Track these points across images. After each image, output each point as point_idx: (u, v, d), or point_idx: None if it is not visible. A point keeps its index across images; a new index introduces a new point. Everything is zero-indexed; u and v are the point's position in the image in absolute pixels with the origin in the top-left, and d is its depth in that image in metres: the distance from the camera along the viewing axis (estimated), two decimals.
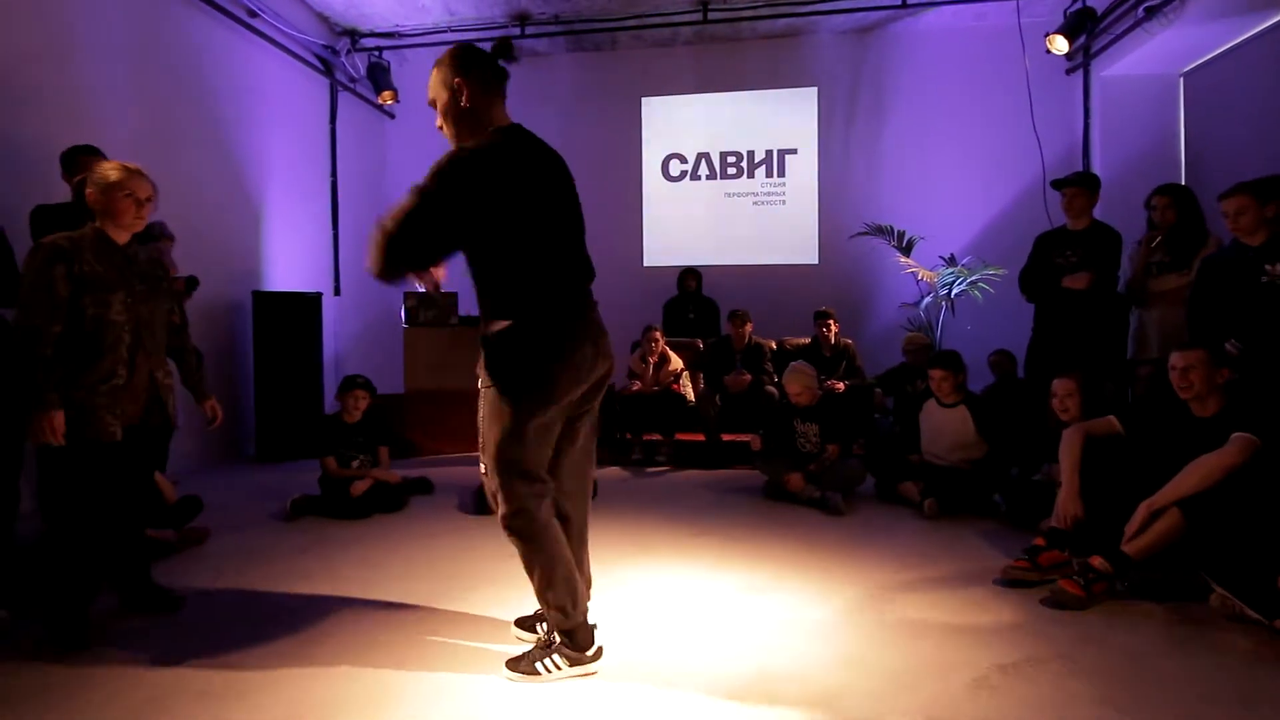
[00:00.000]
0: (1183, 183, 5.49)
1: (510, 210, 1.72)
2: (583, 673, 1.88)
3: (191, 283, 4.30)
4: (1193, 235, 3.55)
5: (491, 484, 1.84)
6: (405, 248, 1.64)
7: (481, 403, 1.84)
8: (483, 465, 1.86)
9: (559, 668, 1.86)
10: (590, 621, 1.92)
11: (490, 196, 1.68)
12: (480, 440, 1.85)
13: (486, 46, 1.84)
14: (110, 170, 2.20)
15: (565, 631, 1.88)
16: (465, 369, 5.88)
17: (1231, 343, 2.90)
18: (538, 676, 1.86)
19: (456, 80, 1.79)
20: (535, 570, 1.84)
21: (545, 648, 1.91)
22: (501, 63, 1.85)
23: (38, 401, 2.02)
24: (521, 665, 1.89)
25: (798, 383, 4.04)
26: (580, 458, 2.00)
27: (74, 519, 2.12)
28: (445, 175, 1.66)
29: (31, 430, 2.02)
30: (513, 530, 1.82)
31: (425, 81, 1.87)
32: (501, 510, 1.83)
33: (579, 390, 1.85)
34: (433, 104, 1.86)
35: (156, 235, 4.12)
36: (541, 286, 1.78)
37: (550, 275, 1.79)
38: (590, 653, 1.89)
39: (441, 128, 1.86)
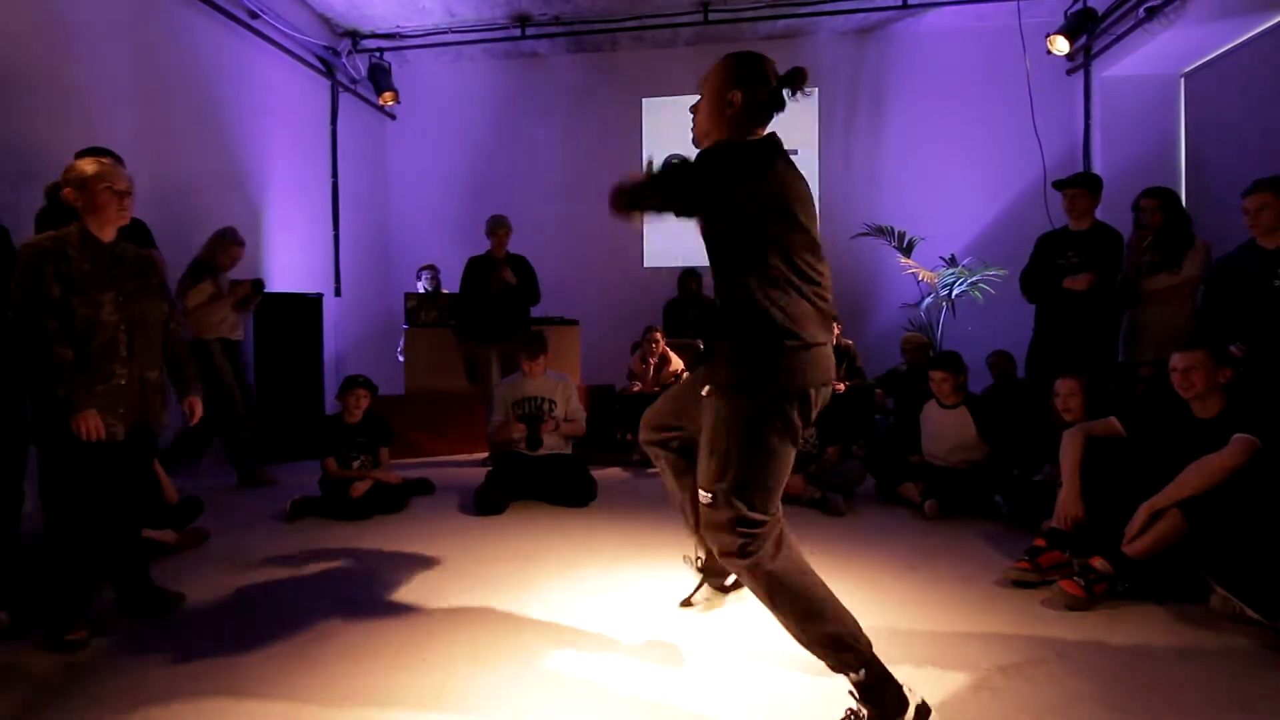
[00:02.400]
0: (1183, 184, 5.51)
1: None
2: None
3: (257, 286, 4.47)
4: (1181, 236, 3.59)
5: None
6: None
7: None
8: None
9: None
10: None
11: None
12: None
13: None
14: (85, 165, 2.14)
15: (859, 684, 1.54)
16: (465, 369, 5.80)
17: (1237, 345, 2.90)
18: None
19: (732, 93, 1.70)
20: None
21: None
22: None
23: (65, 406, 2.01)
24: None
25: None
26: None
27: (74, 520, 2.11)
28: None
29: (74, 429, 2.02)
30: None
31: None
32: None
33: None
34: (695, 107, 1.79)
35: (229, 240, 4.32)
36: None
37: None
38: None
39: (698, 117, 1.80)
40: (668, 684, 1.86)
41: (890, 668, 1.58)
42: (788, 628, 1.59)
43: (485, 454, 5.00)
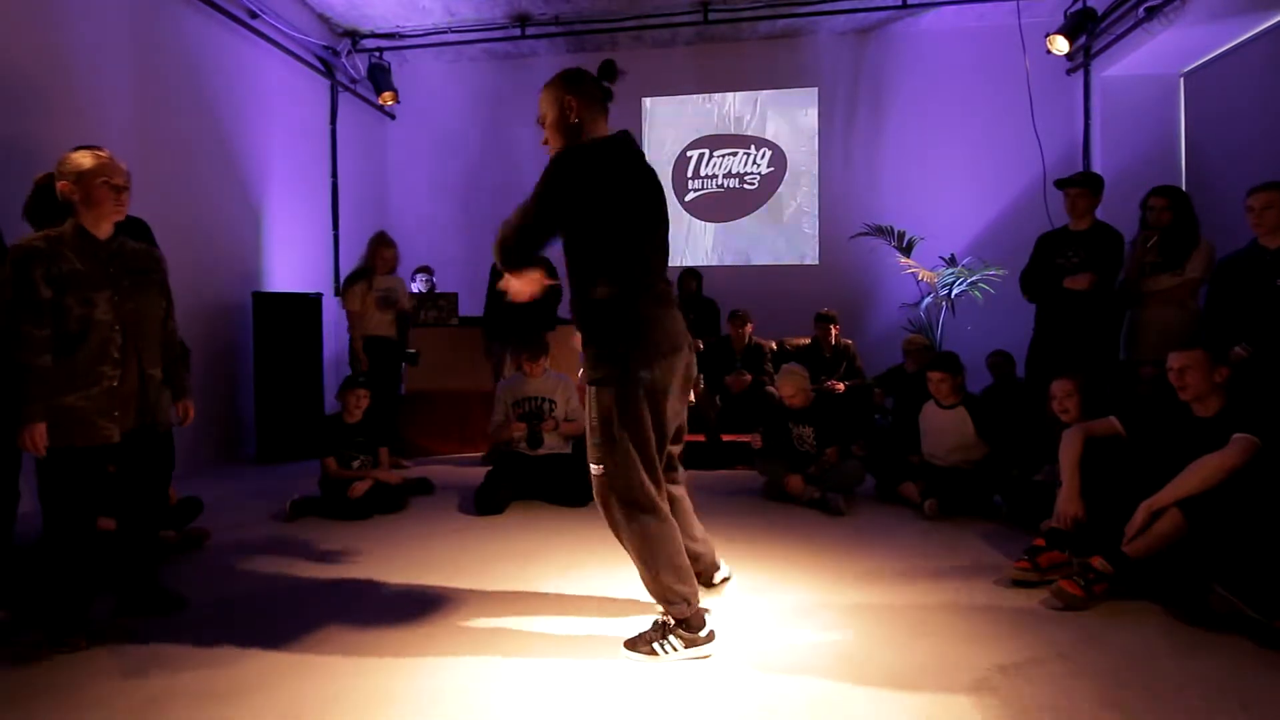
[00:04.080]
0: (1183, 183, 5.49)
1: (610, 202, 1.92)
2: (698, 655, 1.97)
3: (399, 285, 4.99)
4: (1186, 236, 3.57)
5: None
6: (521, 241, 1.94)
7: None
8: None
9: (675, 649, 1.97)
10: (702, 605, 2.04)
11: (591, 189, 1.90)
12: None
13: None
14: (83, 158, 2.08)
15: (679, 619, 1.98)
16: (465, 369, 5.86)
17: (1242, 345, 2.90)
18: (655, 656, 1.97)
19: (567, 97, 1.98)
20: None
21: (661, 629, 2.00)
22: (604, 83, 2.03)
23: (22, 413, 1.97)
24: (640, 646, 2.00)
25: (791, 385, 4.03)
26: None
27: (70, 522, 2.09)
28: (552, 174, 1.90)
29: (19, 440, 1.99)
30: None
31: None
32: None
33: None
34: (541, 121, 2.05)
35: (380, 243, 4.88)
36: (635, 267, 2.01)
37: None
38: (704, 634, 1.99)
39: (547, 142, 2.06)
40: (667, 683, 1.86)
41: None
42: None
43: (484, 452, 5.00)
